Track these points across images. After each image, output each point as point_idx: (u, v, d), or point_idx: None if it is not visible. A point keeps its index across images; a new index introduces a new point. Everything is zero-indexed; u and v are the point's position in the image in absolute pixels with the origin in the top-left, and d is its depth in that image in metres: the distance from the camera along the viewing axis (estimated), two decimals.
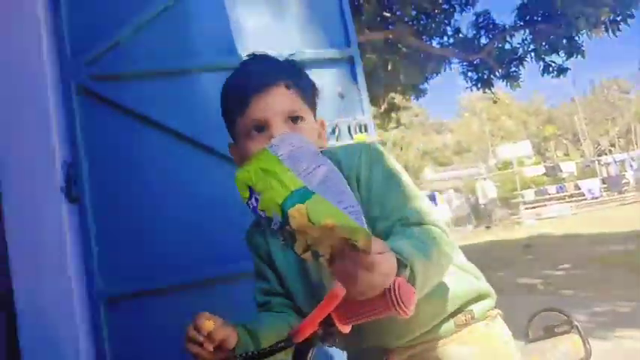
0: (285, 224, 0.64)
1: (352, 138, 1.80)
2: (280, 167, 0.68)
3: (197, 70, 1.82)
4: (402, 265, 0.68)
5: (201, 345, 0.78)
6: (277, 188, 0.66)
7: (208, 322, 0.78)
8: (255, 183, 0.69)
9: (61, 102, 1.67)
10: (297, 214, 0.63)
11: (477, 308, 0.95)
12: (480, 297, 0.96)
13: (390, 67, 7.37)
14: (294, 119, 0.91)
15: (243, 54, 1.82)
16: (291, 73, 0.95)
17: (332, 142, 1.80)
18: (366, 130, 1.82)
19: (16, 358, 1.44)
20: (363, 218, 0.62)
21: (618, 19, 6.39)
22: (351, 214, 0.61)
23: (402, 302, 0.62)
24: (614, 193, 19.65)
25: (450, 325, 0.93)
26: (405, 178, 0.91)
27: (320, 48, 1.90)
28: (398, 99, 9.57)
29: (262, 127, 0.90)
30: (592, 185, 20.24)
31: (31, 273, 1.49)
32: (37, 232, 1.51)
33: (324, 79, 1.88)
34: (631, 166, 22.05)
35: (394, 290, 0.63)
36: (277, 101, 0.90)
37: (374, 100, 8.14)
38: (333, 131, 1.81)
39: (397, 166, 0.93)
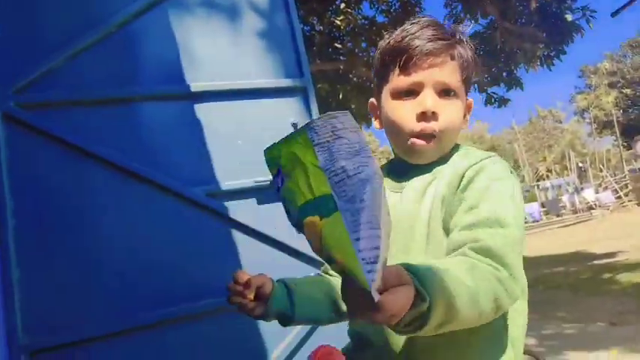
0: (299, 228, 0.56)
1: None
2: (312, 160, 0.55)
3: (140, 98, 1.71)
4: (421, 298, 0.59)
5: (242, 295, 0.86)
6: (302, 186, 0.56)
7: (244, 274, 0.87)
8: (284, 165, 0.59)
9: None
10: (311, 227, 0.54)
11: None
12: None
13: (341, 97, 7.48)
14: (446, 92, 0.85)
15: (192, 83, 1.77)
16: (460, 44, 0.87)
17: None
18: None
19: None
20: (379, 267, 0.50)
21: (552, 54, 6.85)
22: (363, 258, 0.49)
23: None
24: (553, 216, 20.75)
25: None
26: (512, 204, 0.79)
27: (273, 78, 1.85)
28: None
29: (412, 91, 0.85)
30: (532, 209, 21.29)
31: None
32: None
33: (277, 109, 1.83)
34: (566, 190, 23.49)
35: None
36: (439, 70, 0.84)
37: None
38: None
39: (511, 189, 0.80)
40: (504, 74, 7.14)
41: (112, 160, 1.61)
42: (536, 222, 19.74)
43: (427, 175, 0.86)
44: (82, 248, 1.53)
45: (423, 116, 0.83)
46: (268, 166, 0.62)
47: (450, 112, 0.85)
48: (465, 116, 0.91)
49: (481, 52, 7.17)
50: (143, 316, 1.55)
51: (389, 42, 0.88)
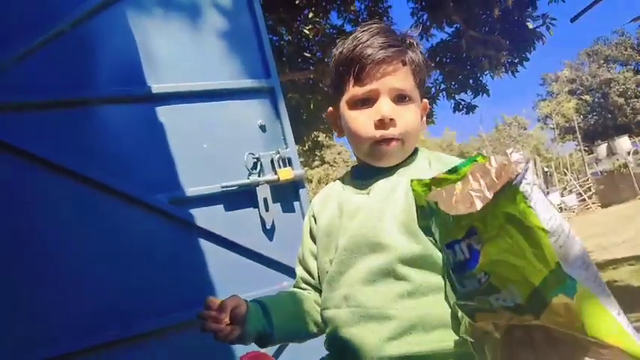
0: (532, 311, 0.44)
1: (276, 172, 1.67)
2: (537, 222, 0.44)
3: (97, 101, 1.61)
4: None
5: (216, 320, 0.82)
6: (530, 257, 0.43)
7: (215, 299, 0.84)
8: (484, 228, 0.45)
9: None
10: (563, 309, 0.43)
11: None
12: None
13: (312, 106, 7.45)
14: (401, 98, 0.87)
15: (154, 85, 1.68)
16: (410, 48, 0.89)
17: (254, 178, 1.66)
18: (290, 164, 1.69)
19: None
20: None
21: (515, 61, 7.03)
22: (633, 334, 0.44)
23: None
24: None
25: None
26: None
27: (238, 79, 1.79)
28: (321, 137, 9.68)
29: (368, 99, 0.86)
30: None
31: None
32: None
33: (244, 111, 1.76)
34: None
35: None
36: (393, 77, 0.85)
37: (298, 139, 8.18)
38: (255, 166, 1.67)
39: None
40: (471, 81, 7.28)
41: (68, 167, 1.50)
42: None
43: (393, 176, 0.88)
44: (38, 262, 1.41)
45: (381, 123, 0.84)
46: (454, 224, 0.48)
47: (407, 116, 0.86)
48: (422, 118, 0.92)
49: (448, 60, 7.30)
50: (106, 333, 1.44)
51: (341, 52, 0.89)
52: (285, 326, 0.90)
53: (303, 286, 0.99)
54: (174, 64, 1.71)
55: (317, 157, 10.00)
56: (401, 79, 0.86)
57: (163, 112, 1.66)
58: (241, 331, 0.84)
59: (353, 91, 0.87)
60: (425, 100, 0.93)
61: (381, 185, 0.88)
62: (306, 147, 9.04)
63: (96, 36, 1.64)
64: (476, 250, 0.46)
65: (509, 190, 0.45)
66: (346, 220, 0.89)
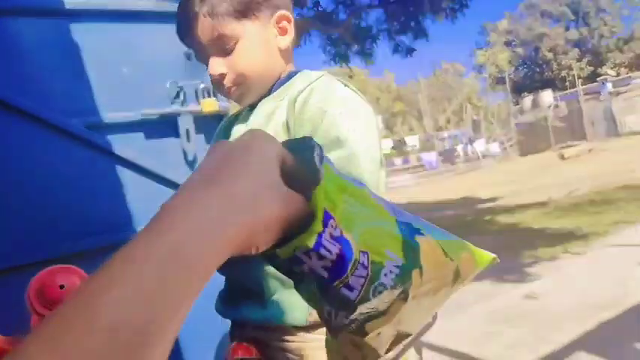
0: (413, 265, 0.38)
1: (199, 102, 1.65)
2: (350, 184, 0.41)
3: (3, 12, 1.46)
4: None
5: None
6: (377, 217, 0.40)
7: None
8: (334, 205, 0.38)
9: None
10: (429, 248, 0.40)
11: None
12: None
13: None
14: (224, 46, 0.84)
15: None
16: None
17: (176, 107, 1.62)
18: (214, 95, 1.67)
19: None
20: None
21: (456, 7, 7.12)
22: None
23: None
24: (449, 164, 22.48)
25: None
26: (347, 120, 0.84)
27: (166, 0, 1.69)
28: None
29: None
30: (431, 158, 22.83)
31: None
32: None
33: (170, 37, 1.67)
34: (461, 141, 25.43)
35: None
36: (202, 34, 0.84)
37: None
38: (178, 95, 1.63)
39: (341, 108, 0.83)
40: (412, 23, 7.31)
41: None
42: (433, 170, 21.26)
43: (273, 96, 0.87)
44: None
45: (216, 82, 0.88)
46: (318, 212, 0.39)
47: (237, 60, 0.84)
48: (278, 36, 0.87)
49: (391, 0, 7.23)
50: (19, 257, 1.41)
51: None
52: None
53: None
54: None
55: None
56: (206, 32, 0.83)
57: (78, 30, 1.55)
58: None
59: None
60: (280, 13, 0.86)
61: (259, 112, 0.87)
62: None
63: None
64: (340, 235, 0.37)
65: (324, 171, 0.38)
66: None
